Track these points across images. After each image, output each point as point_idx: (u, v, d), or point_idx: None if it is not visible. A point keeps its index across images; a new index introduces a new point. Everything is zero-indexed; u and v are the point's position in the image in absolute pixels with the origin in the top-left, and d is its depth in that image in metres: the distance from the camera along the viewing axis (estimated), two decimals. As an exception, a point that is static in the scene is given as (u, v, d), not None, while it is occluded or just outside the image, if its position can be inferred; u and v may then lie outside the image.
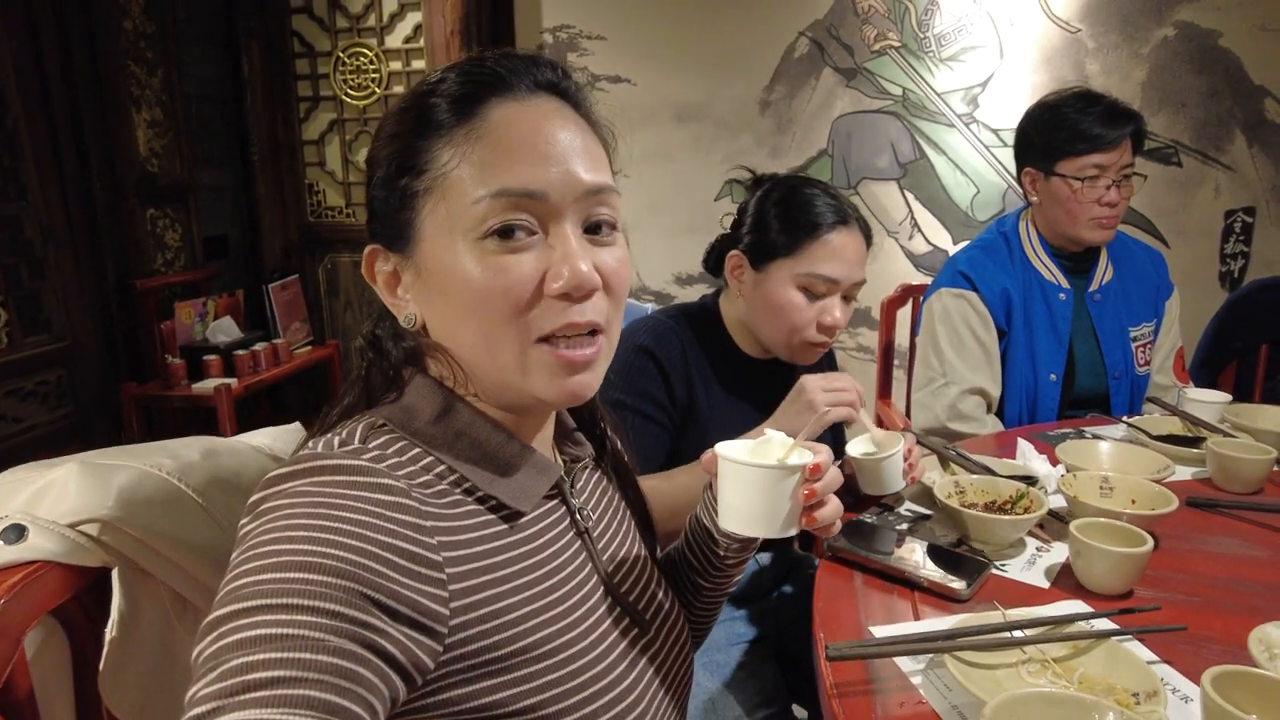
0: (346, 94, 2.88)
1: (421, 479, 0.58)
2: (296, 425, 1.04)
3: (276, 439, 0.96)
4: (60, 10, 2.39)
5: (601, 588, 0.68)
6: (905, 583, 0.97)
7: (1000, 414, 1.76)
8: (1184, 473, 1.31)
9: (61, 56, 2.41)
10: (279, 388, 3.04)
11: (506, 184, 0.57)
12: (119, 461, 0.74)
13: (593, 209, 0.61)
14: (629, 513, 0.81)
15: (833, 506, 0.73)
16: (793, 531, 0.71)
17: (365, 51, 2.85)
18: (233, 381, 2.52)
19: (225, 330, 2.72)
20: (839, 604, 0.94)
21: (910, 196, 2.83)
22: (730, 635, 1.27)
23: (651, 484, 1.12)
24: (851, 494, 1.17)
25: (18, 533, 0.62)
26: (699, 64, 2.82)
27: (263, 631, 0.45)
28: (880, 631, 0.87)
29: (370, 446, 0.58)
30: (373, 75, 2.86)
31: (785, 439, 0.73)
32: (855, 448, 1.17)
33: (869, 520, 1.15)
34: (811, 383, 1.13)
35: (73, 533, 0.63)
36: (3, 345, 2.30)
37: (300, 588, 0.47)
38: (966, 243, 2.81)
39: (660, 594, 0.77)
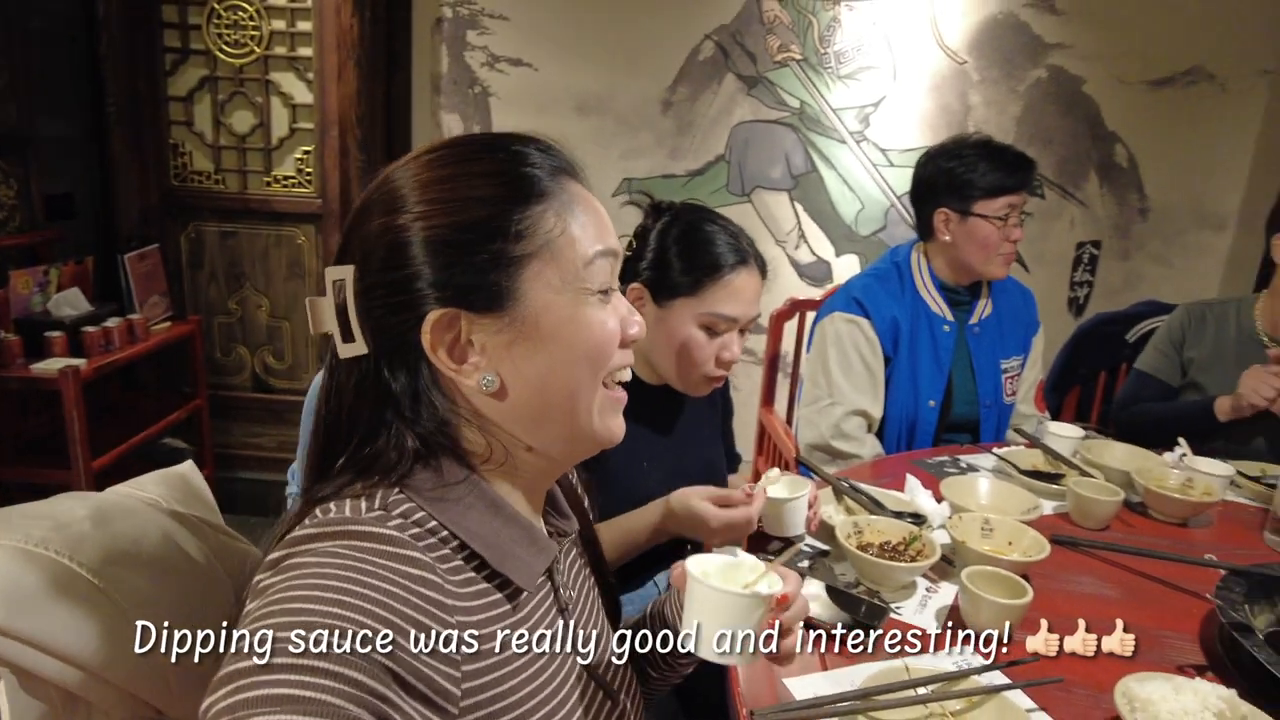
0: (222, 50, 2.64)
1: (439, 552, 0.59)
2: (189, 466, 0.96)
3: (171, 488, 0.88)
4: None
5: (578, 666, 0.71)
6: (812, 629, 1.01)
7: (880, 435, 1.86)
8: (1045, 505, 1.43)
9: None
10: (134, 368, 2.78)
11: (607, 245, 0.66)
12: (-5, 535, 0.66)
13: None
14: (595, 583, 0.83)
15: (793, 639, 0.75)
16: (754, 660, 0.70)
17: (245, 6, 2.61)
18: (81, 363, 2.28)
19: (71, 303, 2.45)
20: (753, 653, 0.97)
21: (799, 208, 2.91)
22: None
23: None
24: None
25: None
26: (603, 56, 2.77)
27: (285, 691, 0.46)
28: (793, 684, 0.91)
29: (393, 514, 0.58)
30: (252, 33, 2.62)
31: (756, 563, 0.73)
32: (766, 486, 1.21)
33: (771, 558, 1.20)
34: (715, 522, 1.13)
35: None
36: None
37: (326, 651, 0.48)
38: (849, 255, 2.96)
39: (618, 662, 0.80)
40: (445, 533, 0.60)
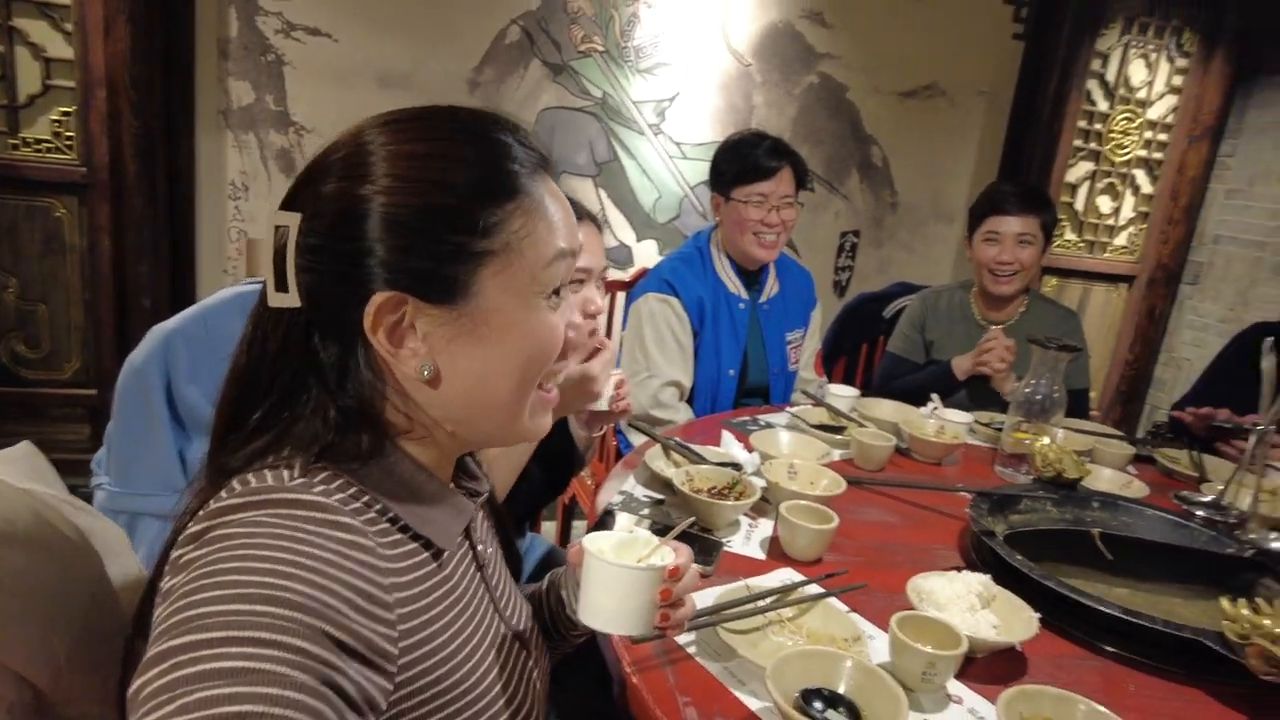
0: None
1: (366, 515, 0.59)
2: (27, 445, 0.90)
3: (16, 466, 0.83)
4: None
5: (497, 618, 0.75)
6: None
7: (690, 402, 2.05)
8: (834, 453, 1.67)
9: None
10: None
11: (569, 245, 0.65)
12: None
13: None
14: (499, 540, 0.87)
15: (687, 609, 0.78)
16: (646, 631, 0.73)
17: (-27, -64, 2.25)
18: None
19: None
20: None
21: (603, 194, 3.05)
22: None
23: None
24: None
25: None
26: (407, 31, 2.72)
27: (228, 664, 0.44)
28: (654, 611, 1.03)
29: (316, 481, 0.58)
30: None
31: (650, 538, 0.76)
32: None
33: (617, 509, 1.32)
34: (598, 367, 1.26)
35: None
36: None
37: (267, 621, 0.47)
38: (649, 241, 3.15)
39: (528, 615, 0.84)
40: (368, 497, 0.60)
